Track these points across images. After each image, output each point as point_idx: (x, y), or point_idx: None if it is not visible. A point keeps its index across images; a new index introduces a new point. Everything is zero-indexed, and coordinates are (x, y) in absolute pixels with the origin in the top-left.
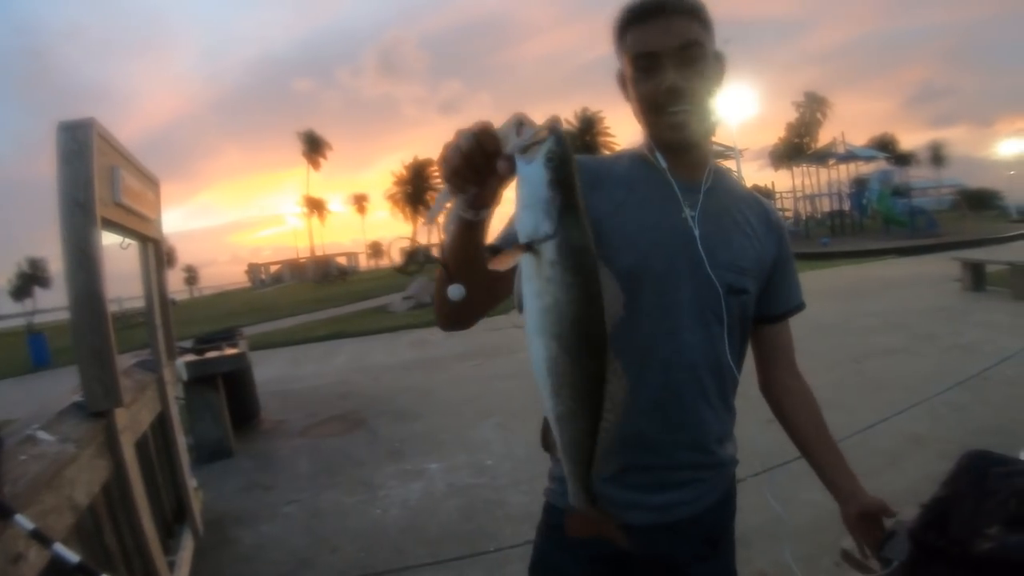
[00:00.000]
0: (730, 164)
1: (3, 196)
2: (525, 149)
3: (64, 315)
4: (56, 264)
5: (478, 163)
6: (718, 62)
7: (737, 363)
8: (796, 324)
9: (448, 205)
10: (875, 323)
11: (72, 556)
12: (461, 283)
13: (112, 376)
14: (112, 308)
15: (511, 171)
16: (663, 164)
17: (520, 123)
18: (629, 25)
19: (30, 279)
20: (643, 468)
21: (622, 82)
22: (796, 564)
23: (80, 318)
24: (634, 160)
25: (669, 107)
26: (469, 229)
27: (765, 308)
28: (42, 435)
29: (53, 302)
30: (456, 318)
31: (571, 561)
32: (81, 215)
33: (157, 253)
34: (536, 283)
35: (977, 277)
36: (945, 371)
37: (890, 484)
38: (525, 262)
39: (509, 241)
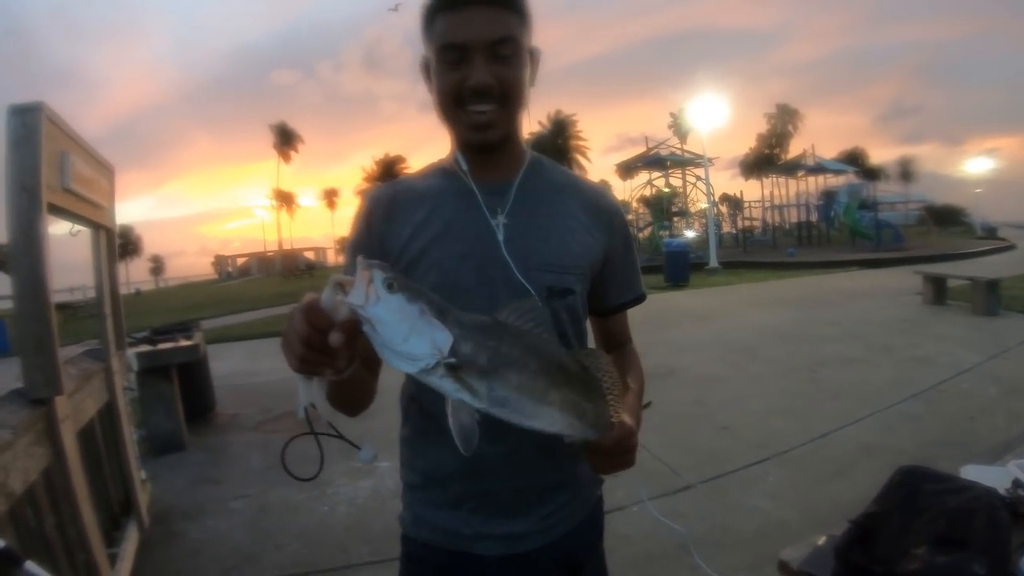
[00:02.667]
0: (699, 172)
1: None
2: (362, 298)
3: None
4: None
5: (318, 345)
6: (533, 60)
7: None
8: (752, 330)
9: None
10: (833, 332)
11: None
12: (348, 406)
13: (53, 364)
14: (74, 297)
15: (351, 336)
16: (464, 167)
17: (339, 284)
18: (438, 12)
19: None
20: (483, 494)
21: (426, 72)
22: (736, 574)
23: (22, 305)
24: (438, 171)
25: (471, 105)
26: (341, 385)
27: (598, 302)
28: None
29: None
30: (357, 413)
31: None
32: (27, 200)
33: (109, 241)
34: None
35: (938, 291)
36: (900, 382)
37: (839, 494)
38: (448, 388)
39: None
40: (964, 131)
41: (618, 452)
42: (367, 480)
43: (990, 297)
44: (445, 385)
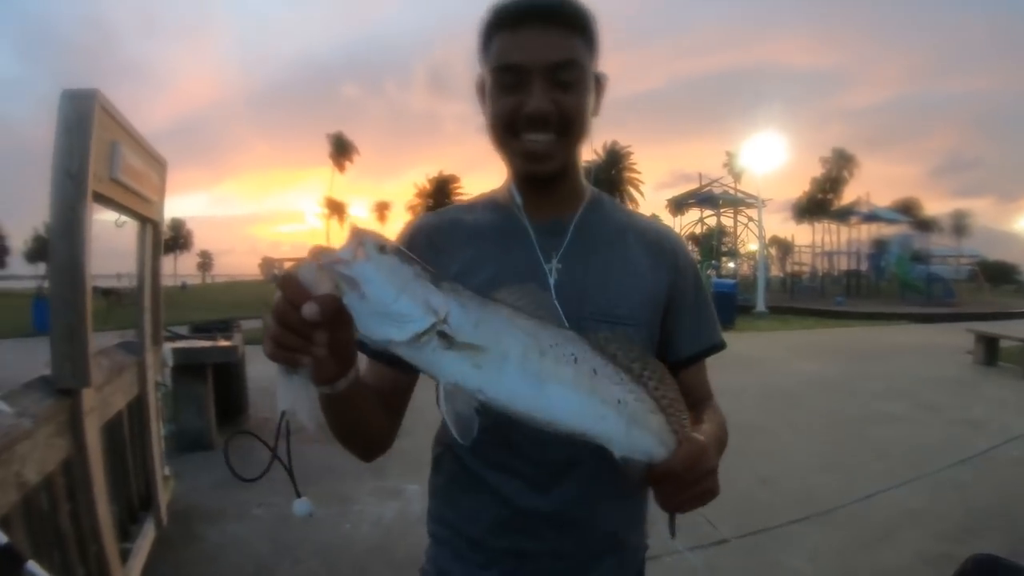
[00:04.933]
0: (751, 213)
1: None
2: (350, 254)
3: None
4: None
5: (293, 322)
6: (598, 87)
7: None
8: (798, 380)
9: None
10: (880, 388)
11: (0, 536)
12: (353, 441)
13: (83, 355)
14: (120, 283)
15: (331, 311)
16: (519, 201)
17: (319, 254)
18: (497, 29)
19: (46, 243)
20: (518, 555)
21: (481, 94)
22: None
23: (58, 291)
24: (488, 205)
25: (527, 133)
26: (335, 403)
27: (668, 353)
28: (1, 405)
29: None
30: (369, 455)
31: None
32: (72, 186)
33: (155, 235)
34: (469, 362)
35: (990, 351)
36: (949, 445)
37: (882, 561)
38: (442, 366)
39: None
40: (1021, 185)
41: (691, 478)
42: (394, 502)
43: None
44: (440, 361)
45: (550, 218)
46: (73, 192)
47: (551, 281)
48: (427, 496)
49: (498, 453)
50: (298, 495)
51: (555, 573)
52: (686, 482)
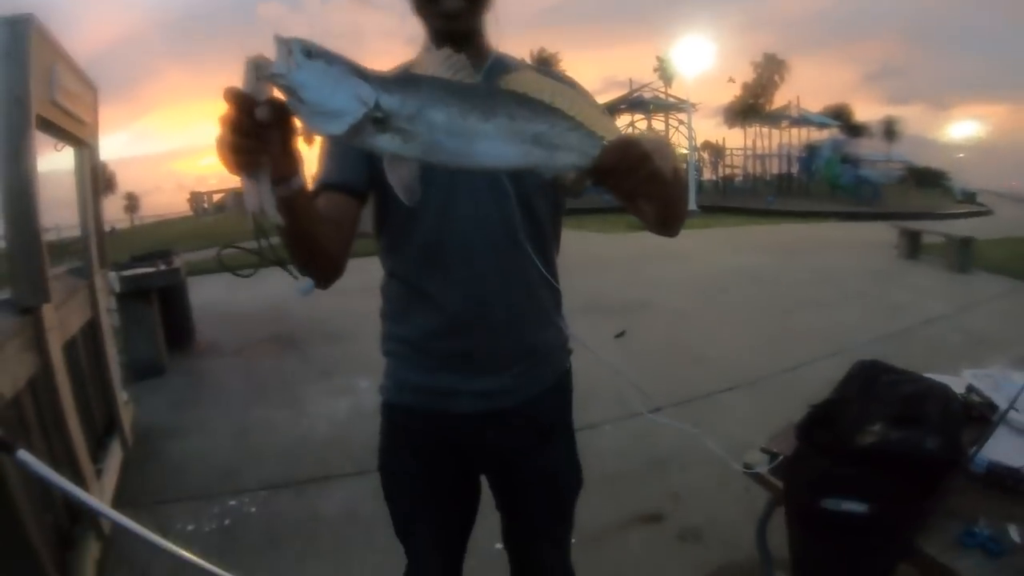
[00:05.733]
0: (682, 117)
1: None
2: (284, 67)
3: None
4: None
5: (247, 127)
6: None
7: (538, 245)
8: (728, 272)
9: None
10: (808, 278)
11: None
12: (314, 261)
13: (40, 273)
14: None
15: (280, 110)
16: None
17: (257, 65)
18: None
19: None
20: (462, 355)
21: None
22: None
23: (11, 215)
24: (407, 65)
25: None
26: (295, 206)
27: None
28: None
29: None
30: (327, 276)
31: (409, 455)
32: (17, 111)
33: (92, 159)
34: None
35: (913, 245)
36: (870, 326)
37: None
38: (381, 144)
39: (334, 174)
40: (951, 96)
41: (624, 166)
42: (345, 399)
43: (964, 254)
44: (377, 143)
45: None
46: (19, 117)
47: None
48: (380, 333)
49: (432, 271)
50: (296, 278)
51: (490, 365)
52: (623, 171)
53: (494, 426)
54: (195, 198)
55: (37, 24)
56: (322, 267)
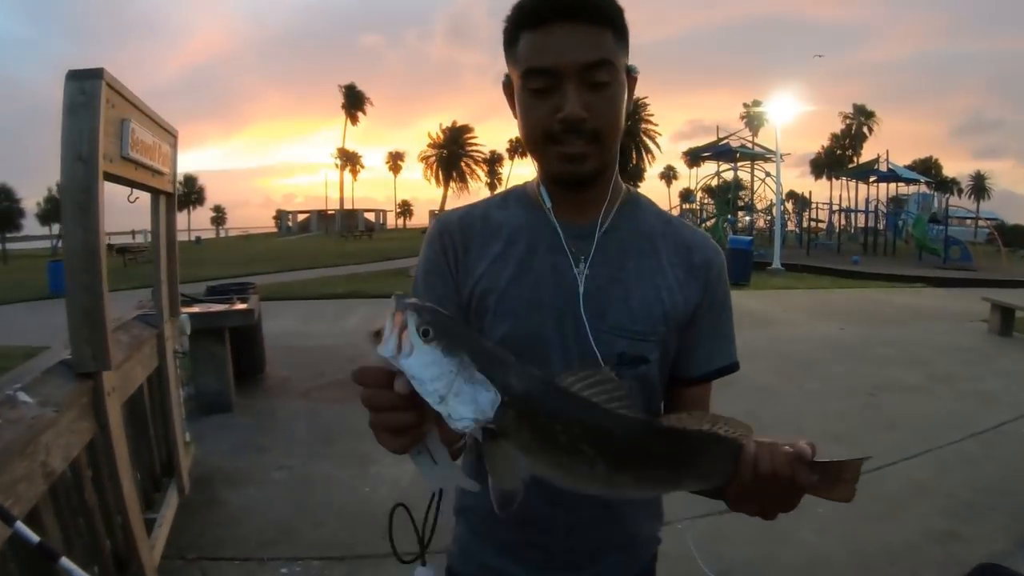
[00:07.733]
0: (769, 167)
1: (42, 119)
2: (392, 349)
3: None
4: None
5: (386, 403)
6: (630, 81)
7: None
8: (813, 342)
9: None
10: (895, 355)
11: (32, 536)
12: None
13: (102, 338)
14: (135, 241)
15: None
16: (548, 203)
17: (375, 334)
18: (522, 28)
19: (59, 204)
20: (535, 546)
21: (508, 93)
22: None
23: (73, 276)
24: (519, 201)
25: (563, 139)
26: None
27: (680, 369)
28: (22, 397)
29: None
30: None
31: None
32: (82, 170)
33: (168, 206)
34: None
35: (1005, 321)
36: (960, 419)
37: (888, 535)
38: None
39: None
40: None
41: (761, 491)
42: (411, 464)
43: None
44: (486, 449)
45: (581, 220)
46: (83, 176)
47: (580, 289)
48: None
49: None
50: (423, 564)
51: (569, 562)
52: (761, 495)
53: None
54: (280, 216)
55: (108, 78)
56: None
